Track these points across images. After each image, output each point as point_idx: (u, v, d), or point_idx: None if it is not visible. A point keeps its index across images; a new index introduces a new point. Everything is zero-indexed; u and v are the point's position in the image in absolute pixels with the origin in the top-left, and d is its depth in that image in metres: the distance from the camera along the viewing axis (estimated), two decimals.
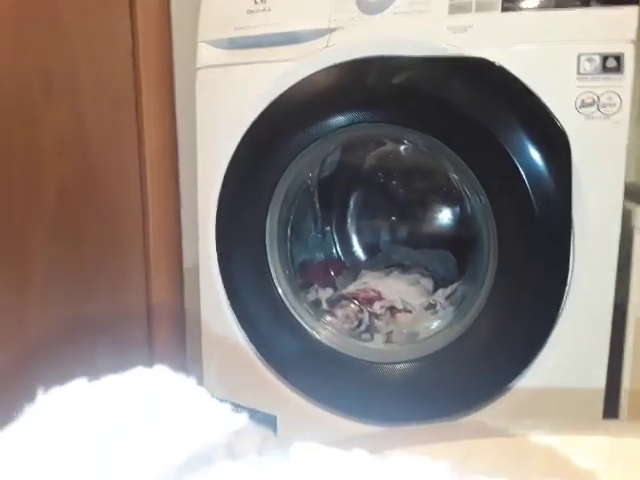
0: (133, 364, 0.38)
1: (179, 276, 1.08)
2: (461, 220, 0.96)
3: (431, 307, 0.90)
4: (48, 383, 0.35)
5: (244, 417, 0.32)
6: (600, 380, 0.66)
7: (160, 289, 1.04)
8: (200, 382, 0.92)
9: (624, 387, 0.67)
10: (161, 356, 1.06)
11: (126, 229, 0.99)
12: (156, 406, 0.30)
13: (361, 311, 0.91)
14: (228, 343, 0.89)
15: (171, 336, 1.08)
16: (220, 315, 0.88)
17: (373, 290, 0.93)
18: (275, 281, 0.85)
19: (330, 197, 1.01)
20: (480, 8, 0.68)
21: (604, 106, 0.63)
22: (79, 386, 0.31)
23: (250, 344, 0.86)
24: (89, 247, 0.92)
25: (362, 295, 0.93)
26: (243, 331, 0.87)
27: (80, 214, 0.90)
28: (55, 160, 0.85)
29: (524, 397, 0.70)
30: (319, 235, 1.03)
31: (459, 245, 0.94)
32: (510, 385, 0.70)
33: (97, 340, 0.91)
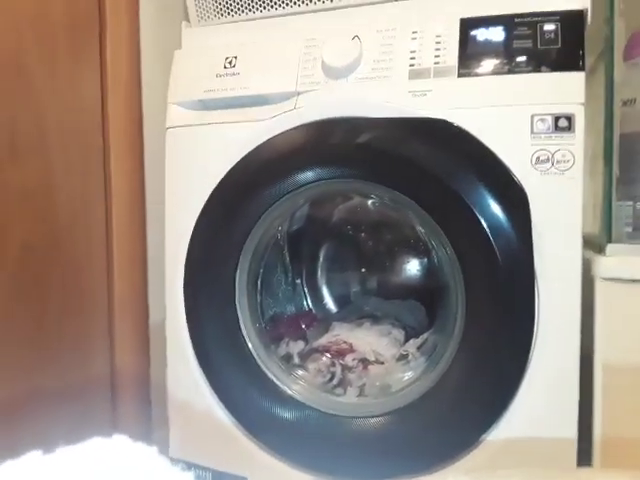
0: (96, 429, 0.37)
1: (144, 335, 1.05)
2: (429, 271, 0.98)
3: (403, 358, 0.90)
4: (2, 456, 0.34)
5: None
6: (572, 429, 0.67)
7: (125, 350, 1.02)
8: (166, 443, 0.89)
9: (596, 434, 0.67)
10: (126, 418, 1.02)
11: (90, 288, 0.97)
12: (115, 477, 0.30)
13: (333, 364, 0.91)
14: (195, 402, 0.87)
15: (136, 398, 1.04)
16: (187, 372, 0.86)
17: (345, 342, 0.93)
18: (245, 336, 0.85)
19: (300, 250, 1.02)
20: (438, 74, 0.72)
21: (558, 162, 0.67)
22: (33, 459, 0.30)
23: (219, 402, 0.85)
24: (51, 307, 0.90)
25: (334, 348, 0.92)
26: (211, 388, 0.85)
27: (43, 273, 0.88)
28: (19, 216, 0.84)
29: (498, 448, 0.70)
30: (289, 288, 1.03)
31: (428, 295, 0.96)
32: (483, 437, 0.71)
33: (58, 406, 0.88)
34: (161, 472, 0.32)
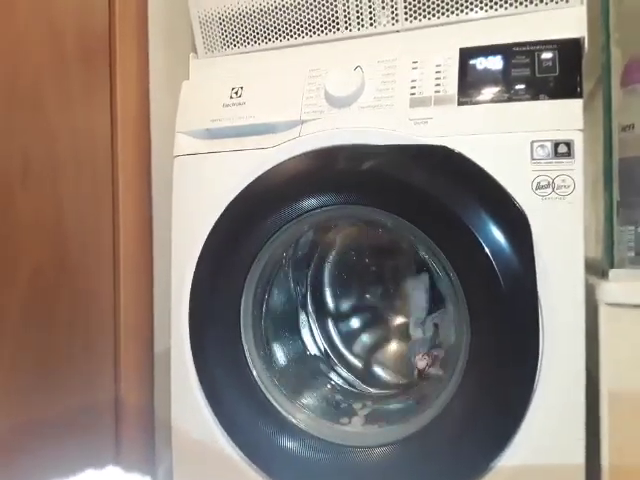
0: (100, 459, 0.37)
1: (149, 364, 1.05)
2: (433, 297, 0.97)
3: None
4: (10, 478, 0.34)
5: None
6: (579, 455, 0.66)
7: (130, 378, 1.01)
8: (171, 475, 0.88)
9: (604, 461, 0.66)
10: (130, 449, 1.01)
11: (98, 316, 0.98)
12: None
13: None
14: (199, 431, 0.86)
15: (140, 428, 1.03)
16: (191, 401, 0.86)
17: None
18: (250, 364, 0.84)
19: (304, 276, 1.03)
20: (438, 102, 0.74)
21: (559, 188, 0.67)
22: None
23: (223, 432, 0.84)
24: (59, 334, 0.90)
25: None
26: (215, 417, 0.84)
27: (52, 298, 0.89)
28: (30, 243, 0.85)
29: (505, 477, 0.69)
30: (294, 314, 1.03)
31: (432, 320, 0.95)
32: (491, 465, 0.69)
33: (62, 435, 0.87)
34: None
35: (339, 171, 0.78)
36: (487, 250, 0.67)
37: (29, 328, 0.85)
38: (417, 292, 0.96)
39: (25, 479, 0.33)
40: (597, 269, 0.71)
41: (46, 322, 0.88)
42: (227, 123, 0.86)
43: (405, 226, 0.74)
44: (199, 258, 0.85)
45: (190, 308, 0.86)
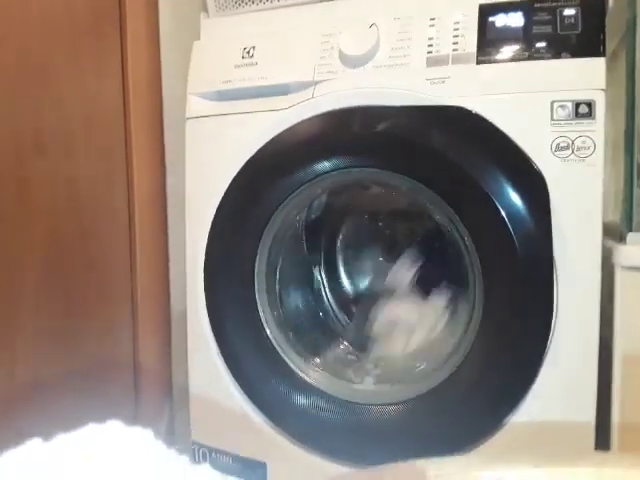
0: (120, 413, 0.38)
1: (167, 324, 1.07)
2: (448, 261, 0.97)
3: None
4: (35, 431, 0.35)
5: (205, 468, 0.32)
6: (590, 414, 0.67)
7: (147, 338, 1.04)
8: (188, 428, 0.91)
9: (614, 420, 0.67)
10: (148, 404, 1.04)
11: (114, 278, 0.99)
12: (109, 462, 0.30)
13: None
14: (216, 388, 0.88)
15: (159, 384, 1.07)
16: (208, 360, 0.88)
17: None
18: (264, 324, 0.86)
19: (318, 239, 1.03)
20: (456, 61, 0.72)
21: (578, 149, 0.66)
22: (33, 447, 0.31)
23: (239, 389, 0.86)
24: (76, 297, 0.92)
25: None
26: (231, 375, 0.86)
27: (69, 264, 0.90)
28: (45, 209, 0.86)
29: (517, 433, 0.70)
30: (308, 277, 1.04)
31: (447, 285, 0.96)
32: (504, 421, 0.71)
33: (83, 391, 0.90)
34: (157, 455, 0.32)
35: (353, 133, 0.77)
36: (503, 213, 0.67)
37: (47, 294, 0.87)
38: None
39: (53, 429, 0.35)
40: (615, 233, 0.70)
41: (63, 287, 0.90)
42: (239, 84, 0.85)
43: (420, 189, 0.74)
44: (213, 221, 0.86)
45: (205, 270, 0.87)
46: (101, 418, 0.37)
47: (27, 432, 0.36)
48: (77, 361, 0.91)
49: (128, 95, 0.98)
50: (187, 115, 0.89)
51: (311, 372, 0.85)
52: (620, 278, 0.66)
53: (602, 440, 0.68)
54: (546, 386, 0.68)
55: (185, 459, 0.32)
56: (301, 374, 0.85)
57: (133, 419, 0.99)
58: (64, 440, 0.33)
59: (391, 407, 0.78)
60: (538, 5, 0.69)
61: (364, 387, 0.87)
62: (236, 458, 0.88)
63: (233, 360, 0.86)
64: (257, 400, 0.85)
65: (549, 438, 0.69)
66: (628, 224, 0.68)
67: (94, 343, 0.95)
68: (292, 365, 0.85)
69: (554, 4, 0.68)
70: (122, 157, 0.99)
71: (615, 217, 0.72)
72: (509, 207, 0.67)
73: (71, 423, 0.37)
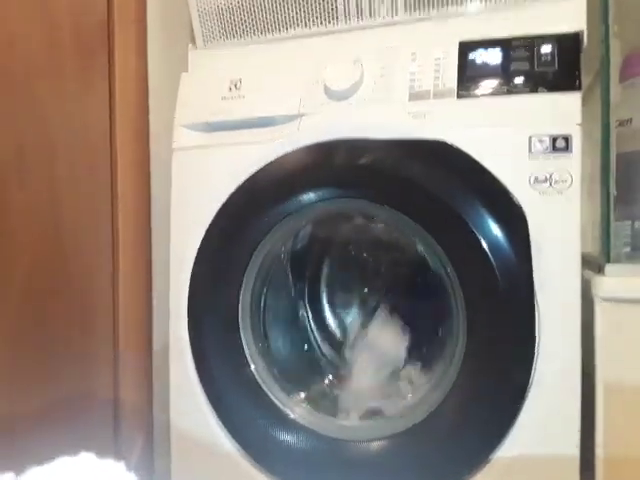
0: (98, 448, 0.37)
1: (148, 360, 1.05)
2: (430, 291, 0.97)
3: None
4: (8, 465, 0.34)
5: None
6: (574, 446, 0.66)
7: (128, 374, 1.02)
8: (169, 472, 0.88)
9: (598, 452, 0.67)
10: (128, 444, 1.01)
11: (96, 310, 0.98)
12: None
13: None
14: (198, 427, 0.86)
15: (139, 424, 1.04)
16: (190, 396, 0.86)
17: None
18: (248, 357, 0.85)
19: (303, 270, 1.03)
20: (437, 96, 0.74)
21: (556, 182, 0.67)
22: None
23: (222, 426, 0.84)
24: (57, 327, 0.90)
25: None
26: (214, 411, 0.85)
27: (50, 295, 0.89)
28: (27, 237, 0.85)
29: (501, 468, 0.69)
30: (292, 308, 1.03)
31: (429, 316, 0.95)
32: (490, 456, 0.70)
33: (61, 429, 0.88)
34: None
35: (338, 165, 0.78)
36: (484, 244, 0.68)
37: (26, 325, 0.85)
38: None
39: (27, 460, 0.34)
40: (594, 264, 0.71)
41: (43, 319, 0.88)
42: (226, 116, 0.86)
43: (403, 220, 0.74)
44: (198, 252, 0.85)
45: (189, 303, 0.86)
46: (77, 452, 0.36)
47: (1, 465, 0.35)
48: (54, 395, 0.89)
49: (115, 123, 0.98)
50: (174, 146, 0.90)
51: (296, 408, 0.84)
52: (600, 309, 0.66)
53: (587, 473, 0.67)
54: (530, 420, 0.68)
55: None
56: (285, 410, 0.83)
57: (112, 453, 0.96)
58: (36, 473, 0.32)
59: (375, 443, 0.77)
60: (516, 42, 0.72)
61: (349, 423, 0.85)
62: None
63: (216, 396, 0.85)
64: (241, 439, 0.83)
65: (534, 472, 0.68)
66: (606, 256, 0.69)
67: (73, 377, 0.93)
68: (276, 401, 0.84)
69: (531, 41, 0.71)
70: (107, 187, 0.99)
71: (593, 249, 0.73)
72: (490, 238, 0.68)
73: (47, 458, 0.36)
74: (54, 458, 0.35)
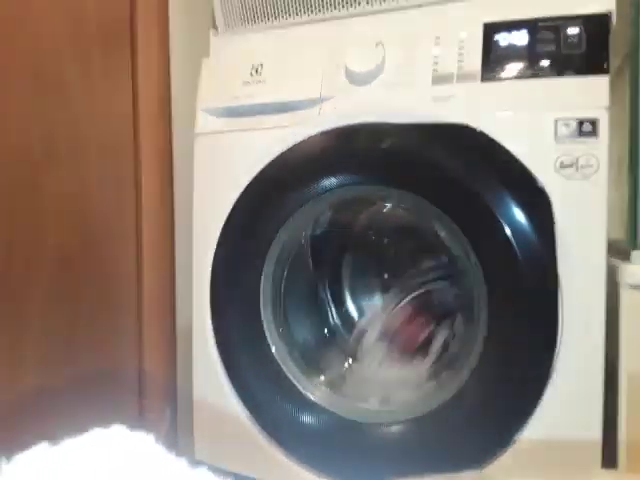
0: (124, 417, 0.39)
1: (172, 339, 1.08)
2: (452, 278, 0.97)
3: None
4: (39, 440, 0.35)
5: (203, 471, 0.32)
6: (597, 431, 0.66)
7: (153, 353, 1.04)
8: (192, 446, 0.90)
9: (620, 438, 0.67)
10: (152, 420, 1.04)
11: (121, 293, 1.00)
12: (112, 465, 0.31)
13: None
14: (220, 406, 0.88)
15: (163, 401, 1.06)
16: (213, 376, 0.88)
17: None
18: (269, 340, 0.86)
19: (323, 256, 1.03)
20: (461, 79, 0.72)
21: (582, 167, 0.66)
22: (41, 451, 0.32)
23: (243, 406, 0.86)
24: (84, 310, 0.92)
25: None
26: (235, 393, 0.86)
27: (77, 279, 0.91)
28: (56, 225, 0.87)
29: (525, 450, 0.69)
30: (312, 293, 1.04)
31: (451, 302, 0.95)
32: (511, 439, 0.70)
33: (88, 402, 0.90)
34: (157, 459, 0.33)
35: (359, 150, 0.78)
36: (508, 231, 0.67)
37: (56, 302, 0.87)
38: None
39: (57, 436, 0.35)
40: (620, 251, 0.70)
41: (71, 296, 0.90)
42: (247, 101, 0.86)
43: (425, 206, 0.74)
44: (220, 236, 0.86)
45: (211, 286, 0.87)
46: (106, 423, 0.37)
47: (34, 436, 0.36)
48: (82, 374, 0.91)
49: (138, 111, 0.99)
50: (196, 131, 0.91)
51: (315, 390, 0.85)
52: (625, 296, 0.65)
53: (609, 457, 0.67)
54: (552, 404, 0.68)
55: (184, 462, 0.32)
56: (305, 392, 0.84)
57: (137, 425, 0.99)
58: (70, 444, 0.33)
59: (396, 427, 0.78)
60: (542, 24, 0.70)
61: (369, 406, 0.86)
62: (239, 478, 0.87)
63: (238, 377, 0.86)
64: (261, 418, 0.85)
65: (556, 456, 0.68)
66: (633, 242, 0.68)
67: (100, 351, 0.95)
68: (296, 383, 0.85)
69: (558, 23, 0.69)
70: (131, 173, 1.00)
71: (619, 235, 0.72)
72: (513, 224, 0.67)
73: (76, 428, 0.37)
74: (84, 430, 0.36)
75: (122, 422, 0.38)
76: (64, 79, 0.88)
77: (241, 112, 0.87)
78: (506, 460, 0.70)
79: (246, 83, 0.86)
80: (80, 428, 0.37)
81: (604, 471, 0.63)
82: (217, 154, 0.89)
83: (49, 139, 0.86)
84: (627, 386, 0.65)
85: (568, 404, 0.67)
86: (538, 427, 0.68)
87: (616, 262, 0.67)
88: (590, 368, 0.66)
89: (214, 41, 0.94)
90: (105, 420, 0.38)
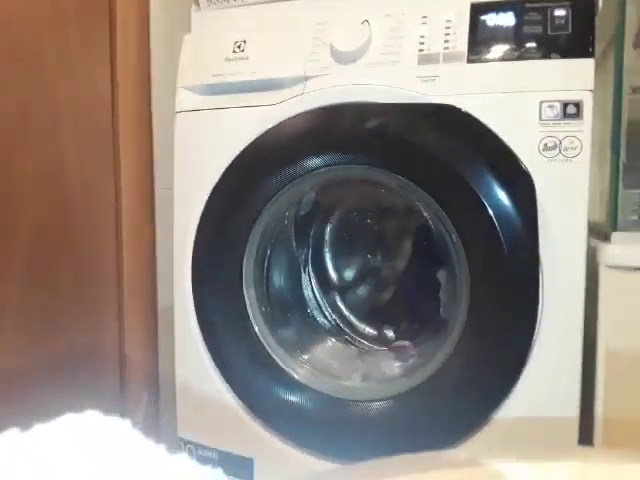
0: (105, 404, 0.38)
1: (153, 319, 1.07)
2: (434, 258, 0.98)
3: None
4: (15, 421, 0.35)
5: (182, 457, 0.32)
6: (574, 409, 0.68)
7: (133, 332, 1.03)
8: (175, 425, 0.91)
9: (597, 415, 0.68)
10: (134, 399, 1.04)
11: (100, 271, 0.99)
12: (86, 452, 0.30)
13: None
14: (203, 384, 0.88)
15: (145, 379, 1.06)
16: (195, 355, 0.88)
17: None
18: (252, 320, 0.85)
19: (306, 236, 1.03)
20: (447, 59, 0.72)
21: (566, 149, 0.66)
22: (10, 437, 0.31)
23: (226, 385, 0.86)
24: (63, 289, 0.91)
25: None
26: (218, 371, 0.86)
27: (55, 254, 0.90)
28: (32, 198, 0.85)
29: (503, 428, 0.71)
30: (295, 273, 1.04)
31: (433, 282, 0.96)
32: (490, 417, 0.71)
33: (68, 380, 0.90)
34: (133, 445, 0.32)
35: (344, 130, 0.78)
36: (490, 211, 0.67)
37: (33, 283, 0.86)
38: None
39: (35, 416, 0.35)
40: (600, 232, 0.71)
41: (49, 277, 0.89)
42: (229, 78, 0.84)
43: (409, 187, 0.74)
44: (202, 215, 0.85)
45: (193, 266, 0.87)
46: (86, 407, 0.37)
47: (7, 421, 0.35)
48: (61, 351, 0.90)
49: (116, 85, 0.97)
50: (176, 109, 0.89)
51: (298, 368, 0.86)
52: (604, 277, 0.67)
53: (585, 435, 0.69)
54: (531, 382, 0.69)
55: (162, 448, 0.32)
56: (288, 370, 0.85)
57: (118, 411, 0.98)
58: (41, 430, 0.32)
59: (377, 403, 0.79)
60: (529, 5, 0.70)
61: (351, 384, 0.87)
62: (223, 454, 0.88)
63: (220, 356, 0.86)
64: (244, 396, 0.85)
65: (534, 433, 0.70)
66: (613, 223, 0.69)
67: (79, 333, 0.94)
68: (279, 361, 0.85)
69: (545, 4, 0.69)
70: (110, 150, 0.98)
71: (600, 216, 0.73)
72: (496, 205, 0.67)
73: (54, 413, 0.37)
74: (60, 414, 0.35)
75: (102, 406, 0.37)
76: (40, 56, 0.85)
77: (223, 89, 0.85)
78: (484, 438, 0.72)
79: (228, 60, 0.85)
80: (57, 413, 0.37)
81: (581, 448, 0.65)
82: (198, 132, 0.88)
83: (25, 111, 0.83)
84: (605, 364, 0.67)
85: (546, 383, 0.69)
86: (516, 406, 0.70)
87: (596, 243, 0.69)
88: (569, 347, 0.68)
89: (195, 17, 0.92)
90: (84, 405, 0.38)
